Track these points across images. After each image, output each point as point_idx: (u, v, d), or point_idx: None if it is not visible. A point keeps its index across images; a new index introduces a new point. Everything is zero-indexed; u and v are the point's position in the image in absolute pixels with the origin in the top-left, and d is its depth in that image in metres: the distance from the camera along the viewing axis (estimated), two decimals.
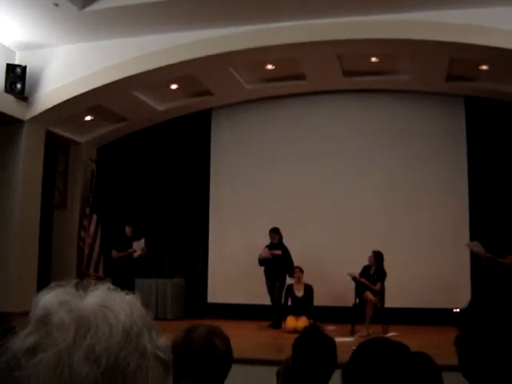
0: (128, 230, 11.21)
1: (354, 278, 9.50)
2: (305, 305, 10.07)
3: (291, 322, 9.84)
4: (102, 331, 0.78)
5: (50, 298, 0.82)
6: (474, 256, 10.22)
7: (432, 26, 8.63)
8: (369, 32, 8.96)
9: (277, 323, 10.18)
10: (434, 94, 11.14)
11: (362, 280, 9.41)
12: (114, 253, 10.94)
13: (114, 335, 0.79)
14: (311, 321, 9.80)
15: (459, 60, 9.51)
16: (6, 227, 9.99)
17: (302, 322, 9.74)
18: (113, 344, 0.78)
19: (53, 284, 0.86)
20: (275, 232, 10.62)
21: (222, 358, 2.09)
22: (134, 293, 0.88)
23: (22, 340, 0.78)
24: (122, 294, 0.86)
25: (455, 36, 8.58)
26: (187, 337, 2.12)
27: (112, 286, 0.87)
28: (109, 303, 0.82)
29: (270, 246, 10.64)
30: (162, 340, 0.85)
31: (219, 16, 9.05)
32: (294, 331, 9.49)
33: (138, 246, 11.01)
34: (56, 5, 8.59)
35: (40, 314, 0.80)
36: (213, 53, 9.57)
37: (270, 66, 10.62)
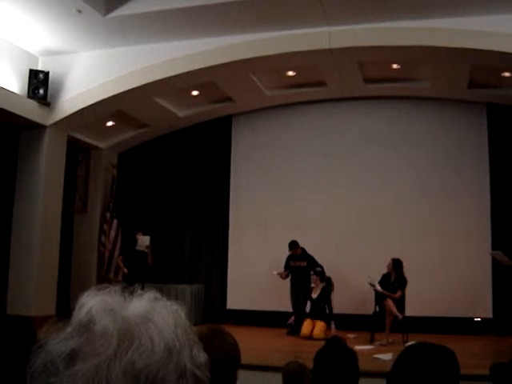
0: (139, 235, 11.51)
1: (373, 287, 9.42)
2: (320, 306, 10.00)
3: (307, 327, 9.84)
4: (144, 346, 0.77)
5: (95, 304, 0.80)
6: (495, 265, 10.11)
7: (454, 32, 8.57)
8: (390, 39, 8.93)
9: (295, 330, 10.16)
10: (456, 101, 11.06)
11: (380, 290, 9.32)
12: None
13: (155, 352, 0.77)
14: (332, 322, 9.73)
15: (481, 67, 9.43)
16: (27, 231, 10.06)
17: (318, 328, 9.73)
18: (153, 361, 0.76)
19: (98, 286, 0.85)
20: (293, 247, 10.59)
21: (221, 359, 2.04)
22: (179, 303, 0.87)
23: (62, 343, 0.77)
24: (168, 303, 0.85)
25: (477, 43, 8.51)
26: None
27: (158, 295, 0.85)
28: (153, 316, 0.81)
29: (292, 257, 10.61)
30: (201, 356, 0.84)
31: (241, 23, 9.07)
32: (310, 337, 9.53)
33: (143, 242, 11.33)
34: (79, 11, 8.66)
35: (84, 319, 0.79)
36: (234, 59, 9.59)
37: (290, 73, 10.62)
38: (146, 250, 11.38)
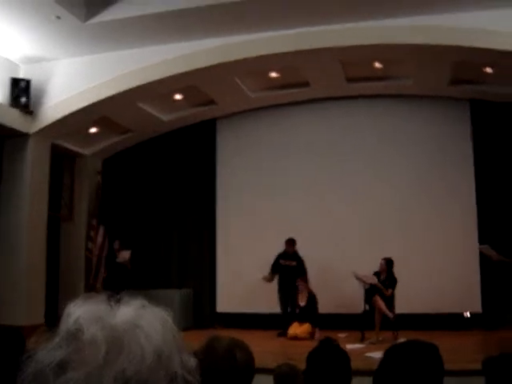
0: (116, 244, 11.69)
1: (361, 281, 9.45)
2: (308, 313, 10.12)
3: (293, 328, 9.93)
4: (133, 353, 0.76)
5: (82, 312, 0.80)
6: (483, 260, 10.18)
7: (435, 30, 8.62)
8: (371, 37, 8.96)
9: (285, 331, 10.20)
10: (439, 97, 11.13)
11: (370, 281, 9.34)
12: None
13: (145, 358, 0.77)
14: (317, 329, 9.83)
15: (463, 63, 9.49)
16: (13, 240, 10.00)
17: (304, 329, 9.84)
18: (143, 367, 0.76)
19: (85, 295, 0.84)
20: (291, 243, 10.63)
21: (242, 370, 2.08)
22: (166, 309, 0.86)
23: (51, 353, 0.77)
24: (155, 310, 0.85)
25: (459, 40, 8.57)
26: (208, 346, 2.11)
27: (145, 302, 0.85)
28: (141, 322, 0.81)
29: (283, 256, 10.63)
30: (191, 361, 0.84)
31: (221, 25, 9.07)
32: (295, 338, 9.64)
33: (123, 256, 11.48)
34: (58, 17, 8.61)
35: (72, 328, 0.79)
36: (215, 62, 9.58)
37: (273, 74, 10.64)
38: (124, 261, 11.51)
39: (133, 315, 0.82)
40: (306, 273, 10.55)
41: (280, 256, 10.67)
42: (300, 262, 10.58)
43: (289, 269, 10.52)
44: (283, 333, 10.19)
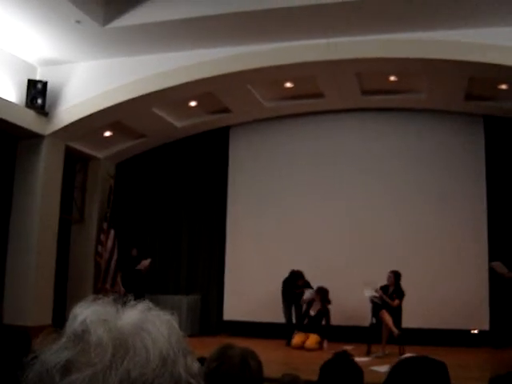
0: (134, 252, 11.72)
1: (372, 297, 9.40)
2: (316, 323, 10.09)
3: (299, 338, 9.92)
4: (139, 356, 0.77)
5: (89, 314, 0.81)
6: (492, 277, 10.11)
7: (451, 45, 8.61)
8: (388, 51, 8.96)
9: (290, 341, 10.25)
10: (453, 113, 11.09)
11: (379, 294, 9.30)
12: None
13: (150, 361, 0.77)
14: (325, 340, 9.81)
15: (478, 79, 9.46)
16: (24, 240, 10.05)
17: (312, 340, 9.81)
18: (149, 370, 0.77)
19: (91, 297, 0.85)
20: (299, 277, 10.70)
21: (255, 379, 2.11)
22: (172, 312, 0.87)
23: (57, 354, 0.77)
24: (161, 313, 0.85)
25: (474, 55, 8.55)
26: (223, 353, 2.13)
27: (151, 305, 0.86)
28: (147, 325, 0.81)
29: (296, 287, 10.70)
30: (195, 366, 0.84)
31: (238, 34, 9.10)
32: (301, 347, 9.63)
33: (144, 264, 11.53)
34: (78, 22, 8.68)
35: (78, 330, 0.79)
36: (232, 71, 9.61)
37: (288, 84, 10.64)
38: (143, 268, 11.56)
39: (139, 318, 0.82)
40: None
41: (293, 287, 10.70)
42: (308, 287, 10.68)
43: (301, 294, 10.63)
44: (289, 342, 10.21)
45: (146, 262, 11.55)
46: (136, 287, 10.88)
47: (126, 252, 11.86)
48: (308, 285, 10.64)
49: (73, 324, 0.80)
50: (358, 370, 2.87)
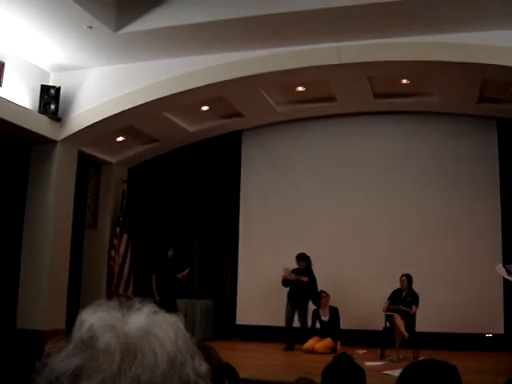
0: (170, 253, 11.34)
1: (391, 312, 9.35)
2: (331, 328, 10.08)
3: (311, 341, 9.89)
4: (147, 360, 0.77)
5: (96, 320, 0.81)
6: (507, 280, 10.03)
7: (463, 47, 8.57)
8: (399, 54, 8.94)
9: (291, 345, 10.26)
10: (466, 115, 11.04)
11: (401, 308, 9.26)
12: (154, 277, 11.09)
13: (159, 365, 0.78)
14: (338, 342, 9.79)
15: (491, 81, 9.42)
16: (38, 245, 10.09)
17: (325, 344, 9.80)
18: (158, 374, 0.77)
19: (97, 302, 0.85)
20: (301, 258, 10.56)
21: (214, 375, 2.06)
22: (177, 314, 0.87)
23: (65, 361, 0.77)
24: (167, 316, 0.85)
25: (487, 58, 8.50)
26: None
27: (156, 308, 0.86)
28: (154, 328, 0.81)
29: (296, 271, 10.56)
30: (203, 366, 0.84)
31: (250, 38, 9.11)
32: (312, 351, 9.61)
33: (182, 274, 11.19)
34: (90, 27, 8.73)
35: (85, 336, 0.79)
36: (243, 75, 9.62)
37: (300, 88, 10.65)
38: (181, 277, 11.26)
39: (145, 322, 0.82)
40: (316, 290, 10.48)
41: (293, 272, 10.61)
42: (312, 278, 10.53)
43: (299, 283, 10.46)
44: (289, 346, 10.23)
45: (184, 272, 11.21)
46: (169, 292, 10.82)
47: (139, 256, 11.86)
48: (309, 272, 10.55)
49: (79, 330, 0.81)
50: (359, 370, 2.86)
